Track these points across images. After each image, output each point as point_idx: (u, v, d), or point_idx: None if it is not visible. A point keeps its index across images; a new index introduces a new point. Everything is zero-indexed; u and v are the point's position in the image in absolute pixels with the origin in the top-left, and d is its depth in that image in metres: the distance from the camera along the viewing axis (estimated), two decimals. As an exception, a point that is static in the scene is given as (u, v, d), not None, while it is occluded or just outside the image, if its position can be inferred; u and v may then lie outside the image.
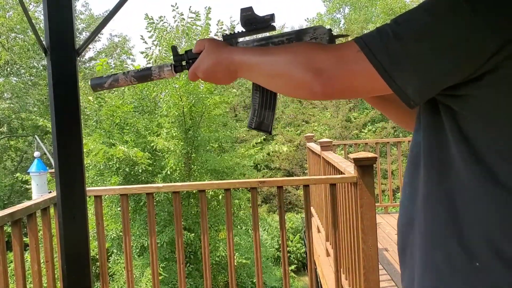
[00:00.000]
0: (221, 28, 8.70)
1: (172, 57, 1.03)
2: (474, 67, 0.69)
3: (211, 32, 8.71)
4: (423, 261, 0.81)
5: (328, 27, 0.94)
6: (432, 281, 0.78)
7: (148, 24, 8.31)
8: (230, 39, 0.97)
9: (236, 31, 0.98)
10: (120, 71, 1.05)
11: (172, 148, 7.36)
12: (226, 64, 0.89)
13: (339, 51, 0.74)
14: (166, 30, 8.45)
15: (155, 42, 8.42)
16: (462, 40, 0.67)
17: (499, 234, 0.71)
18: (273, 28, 0.96)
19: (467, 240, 0.73)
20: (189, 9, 8.60)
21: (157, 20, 8.33)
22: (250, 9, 0.94)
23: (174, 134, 7.75)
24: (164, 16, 8.59)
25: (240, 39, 0.98)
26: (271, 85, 0.87)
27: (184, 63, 1.00)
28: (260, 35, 0.97)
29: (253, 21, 0.94)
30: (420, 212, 0.82)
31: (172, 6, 8.51)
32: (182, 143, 7.76)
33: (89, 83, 1.06)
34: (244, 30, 0.96)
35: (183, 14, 8.72)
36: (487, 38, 0.66)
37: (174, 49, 1.02)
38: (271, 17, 0.94)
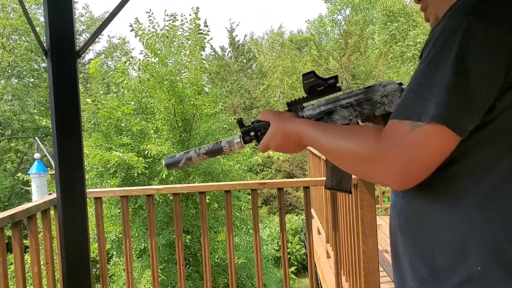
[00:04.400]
0: (209, 30, 8.67)
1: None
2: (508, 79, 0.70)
3: (201, 32, 8.66)
4: (420, 264, 0.80)
5: (397, 82, 0.90)
6: (430, 284, 0.78)
7: (132, 30, 8.31)
8: (295, 106, 0.96)
9: (300, 97, 0.96)
10: (192, 149, 1.06)
11: (166, 152, 7.36)
12: (295, 140, 0.91)
13: (394, 141, 0.71)
14: (147, 36, 8.36)
15: (134, 49, 8.50)
16: (493, 58, 0.68)
17: (501, 240, 0.71)
18: (339, 90, 0.93)
19: (469, 245, 0.73)
20: (165, 13, 8.58)
21: (136, 27, 8.28)
22: (311, 75, 0.92)
23: (167, 137, 7.77)
24: (149, 21, 8.55)
25: (305, 104, 0.96)
26: (346, 170, 0.89)
27: (252, 133, 1.01)
28: (326, 98, 0.94)
29: (317, 87, 0.92)
30: (417, 215, 0.82)
31: (147, 12, 8.47)
32: (176, 146, 7.77)
33: (163, 162, 1.08)
34: (308, 95, 0.94)
35: (179, 20, 8.65)
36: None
37: (240, 122, 1.03)
38: (335, 79, 0.92)
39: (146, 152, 7.33)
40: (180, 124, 8.02)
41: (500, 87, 0.69)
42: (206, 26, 8.69)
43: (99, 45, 24.39)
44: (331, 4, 20.86)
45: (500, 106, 0.71)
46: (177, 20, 8.63)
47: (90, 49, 19.01)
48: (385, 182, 0.75)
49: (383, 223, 5.18)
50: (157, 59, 8.11)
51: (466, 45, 0.68)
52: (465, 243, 0.73)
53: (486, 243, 0.72)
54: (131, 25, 8.26)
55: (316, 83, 0.91)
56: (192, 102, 7.85)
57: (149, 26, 8.52)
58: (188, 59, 8.54)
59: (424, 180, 0.74)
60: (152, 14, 8.47)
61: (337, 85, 0.92)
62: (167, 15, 8.57)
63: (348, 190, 1.00)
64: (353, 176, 1.06)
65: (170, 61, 8.49)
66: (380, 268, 2.90)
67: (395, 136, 0.71)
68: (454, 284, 0.74)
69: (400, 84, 0.89)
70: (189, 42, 8.60)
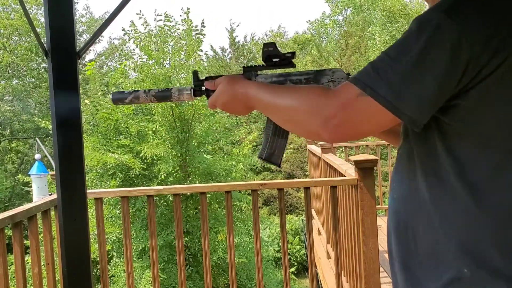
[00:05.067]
0: (202, 30, 8.63)
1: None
2: (468, 79, 0.71)
3: (197, 31, 8.63)
4: (411, 265, 0.82)
5: (344, 70, 0.97)
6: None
7: (125, 34, 8.27)
8: (249, 71, 1.00)
9: (257, 64, 1.00)
10: (141, 89, 1.09)
11: (162, 154, 7.34)
12: (242, 99, 0.93)
13: (341, 97, 0.76)
14: (140, 38, 8.28)
15: (134, 50, 8.44)
16: (455, 59, 0.69)
17: (487, 244, 0.72)
18: (293, 66, 0.98)
19: (455, 247, 0.75)
20: (155, 13, 8.51)
21: (129, 30, 8.21)
22: (272, 45, 0.97)
23: (165, 138, 7.75)
24: (142, 24, 8.50)
25: (260, 72, 1.01)
26: (284, 126, 0.92)
27: (203, 88, 1.04)
28: (279, 71, 0.99)
29: (274, 57, 0.97)
30: (409, 218, 0.83)
31: (137, 14, 8.38)
32: (175, 147, 7.76)
33: (111, 96, 1.10)
34: (264, 64, 0.98)
35: (173, 22, 8.58)
36: (476, 52, 0.69)
37: (195, 74, 1.05)
38: (292, 55, 0.97)
39: (142, 154, 7.32)
40: (178, 124, 8.01)
41: (456, 86, 0.71)
42: (204, 26, 8.68)
43: (100, 45, 24.42)
44: (332, 4, 20.85)
45: (467, 105, 0.72)
46: (171, 21, 8.59)
47: (91, 50, 19.03)
48: (320, 132, 0.78)
49: (384, 223, 5.18)
50: (152, 60, 8.09)
51: (433, 42, 0.69)
52: (452, 245, 0.75)
53: (471, 247, 0.73)
54: (123, 29, 8.23)
55: (275, 53, 0.97)
56: (190, 103, 7.86)
57: (144, 28, 8.50)
58: (185, 60, 8.53)
59: (416, 183, 0.79)
60: (143, 15, 8.44)
61: (292, 61, 0.98)
62: (158, 15, 8.55)
63: (277, 164, 1.04)
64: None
65: (166, 62, 8.46)
66: (381, 269, 2.90)
67: (343, 95, 0.76)
68: (444, 282, 0.75)
69: (348, 74, 0.95)
70: (183, 43, 8.57)
